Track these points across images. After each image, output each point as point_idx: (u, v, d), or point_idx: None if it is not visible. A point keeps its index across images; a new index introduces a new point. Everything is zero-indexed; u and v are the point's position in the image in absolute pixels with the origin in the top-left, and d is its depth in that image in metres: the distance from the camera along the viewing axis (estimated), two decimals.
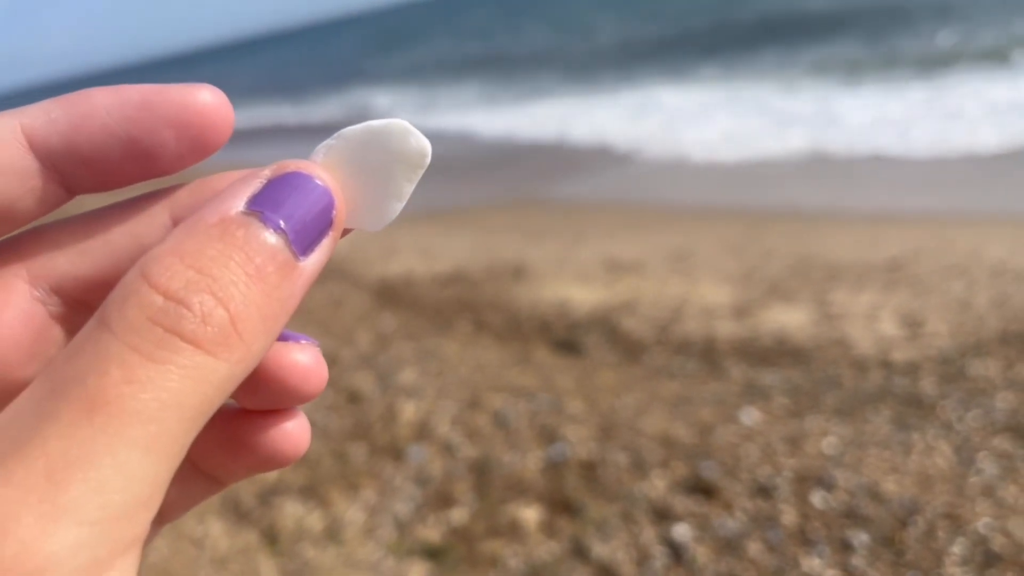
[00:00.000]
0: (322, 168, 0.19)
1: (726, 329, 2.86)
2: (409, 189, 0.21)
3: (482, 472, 2.10)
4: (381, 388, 2.64)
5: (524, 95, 11.18)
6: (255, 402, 0.22)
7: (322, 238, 0.18)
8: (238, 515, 2.06)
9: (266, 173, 0.19)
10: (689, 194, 5.22)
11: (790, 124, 6.58)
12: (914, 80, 7.24)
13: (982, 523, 1.69)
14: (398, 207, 0.21)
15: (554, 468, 2.07)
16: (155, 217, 0.21)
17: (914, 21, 10.15)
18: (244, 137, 12.42)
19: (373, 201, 0.20)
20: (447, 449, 2.22)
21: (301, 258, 0.18)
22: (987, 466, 1.88)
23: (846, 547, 1.69)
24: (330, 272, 4.32)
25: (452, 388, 2.59)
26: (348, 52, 30.33)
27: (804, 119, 6.68)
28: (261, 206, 0.18)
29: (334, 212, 0.19)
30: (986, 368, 2.32)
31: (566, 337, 2.97)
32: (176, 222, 0.20)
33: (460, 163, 7.68)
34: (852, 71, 8.13)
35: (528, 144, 8.25)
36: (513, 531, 1.86)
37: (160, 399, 0.16)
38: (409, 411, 2.45)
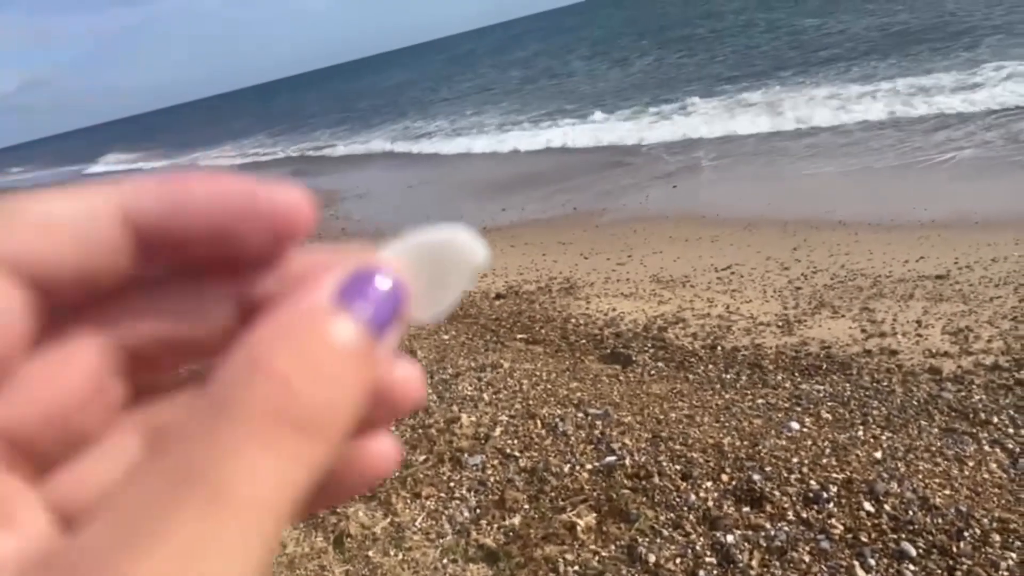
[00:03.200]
0: (396, 265, 0.21)
1: (773, 341, 2.88)
2: (461, 291, 0.24)
3: (537, 480, 2.17)
4: (440, 399, 2.73)
5: (574, 113, 11.26)
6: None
7: (394, 329, 0.20)
8: (308, 520, 2.17)
9: (351, 266, 0.20)
10: (736, 207, 5.22)
11: (840, 136, 6.52)
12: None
13: None
14: (450, 306, 0.23)
15: (607, 476, 2.13)
16: (221, 295, 0.22)
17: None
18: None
19: (430, 299, 0.23)
20: (503, 458, 2.30)
21: (378, 348, 0.20)
22: None
23: (900, 556, 1.70)
24: None
25: (507, 399, 2.67)
26: (410, 83, 31.56)
27: (855, 131, 6.61)
28: (350, 298, 0.19)
29: (405, 307, 0.21)
30: None
31: (616, 349, 3.03)
32: (245, 306, 0.22)
33: (510, 181, 7.79)
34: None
35: (579, 160, 8.31)
36: (568, 537, 1.92)
37: (279, 489, 0.17)
38: (467, 421, 2.53)
